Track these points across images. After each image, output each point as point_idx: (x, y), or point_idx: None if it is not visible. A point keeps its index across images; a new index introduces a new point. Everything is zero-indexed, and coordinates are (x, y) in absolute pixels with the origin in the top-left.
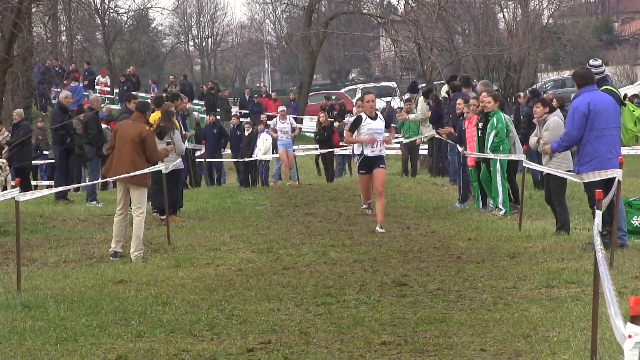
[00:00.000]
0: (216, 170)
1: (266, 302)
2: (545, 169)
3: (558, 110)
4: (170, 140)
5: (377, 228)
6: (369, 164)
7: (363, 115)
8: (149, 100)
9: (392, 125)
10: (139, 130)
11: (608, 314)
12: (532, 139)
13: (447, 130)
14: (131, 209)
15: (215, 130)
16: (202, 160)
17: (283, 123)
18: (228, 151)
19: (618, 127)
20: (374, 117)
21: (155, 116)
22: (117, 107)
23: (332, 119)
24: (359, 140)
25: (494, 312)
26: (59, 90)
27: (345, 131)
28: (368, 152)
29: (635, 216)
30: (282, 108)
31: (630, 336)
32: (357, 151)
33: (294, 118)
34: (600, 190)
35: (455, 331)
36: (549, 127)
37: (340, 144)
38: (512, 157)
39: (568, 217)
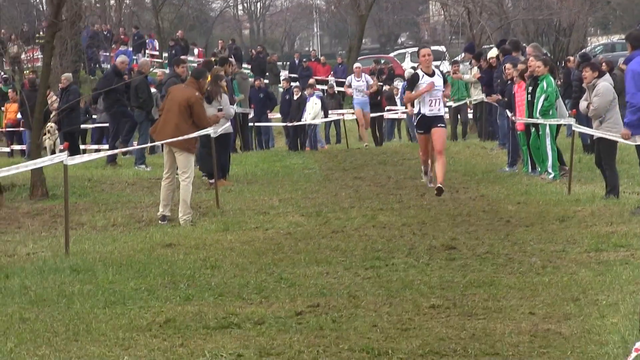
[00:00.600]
0: (264, 134)
1: (315, 265)
2: (596, 132)
3: (607, 75)
4: (221, 107)
5: (438, 185)
6: (428, 123)
7: (419, 72)
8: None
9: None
10: (187, 95)
11: None
12: (582, 104)
13: (495, 98)
14: (178, 173)
15: (261, 94)
16: (252, 124)
17: (358, 81)
18: (276, 115)
19: None
20: (431, 74)
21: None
22: (166, 71)
23: (381, 83)
24: (419, 93)
25: (542, 275)
26: (108, 54)
27: (400, 94)
28: (426, 111)
29: None
30: (357, 65)
31: None
32: (415, 110)
33: (340, 82)
34: None
35: (504, 294)
36: (599, 93)
37: (387, 108)
38: (562, 121)
39: (618, 180)
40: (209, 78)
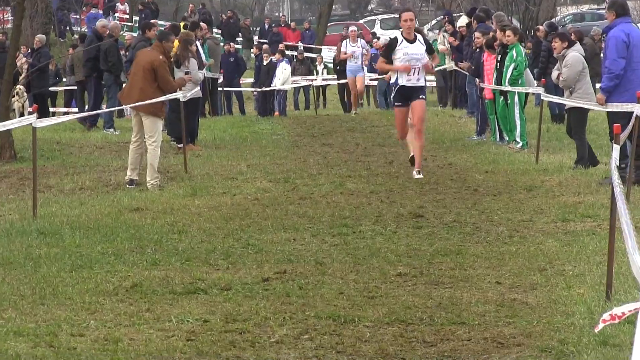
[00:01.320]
0: (237, 99)
1: (282, 232)
2: (564, 101)
3: (578, 45)
4: (188, 70)
5: (414, 173)
6: (406, 94)
7: (399, 36)
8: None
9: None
10: (151, 58)
11: (624, 249)
12: (554, 74)
13: (466, 65)
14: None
15: (231, 58)
16: (220, 89)
17: (353, 46)
18: (247, 80)
19: None
20: (412, 40)
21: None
22: (135, 34)
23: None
24: (392, 68)
25: (509, 245)
26: (78, 17)
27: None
28: (404, 80)
29: None
30: (352, 28)
31: None
32: (392, 80)
33: (308, 47)
34: (619, 124)
35: (470, 263)
36: (567, 63)
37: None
38: (531, 90)
39: (586, 151)
40: (178, 42)
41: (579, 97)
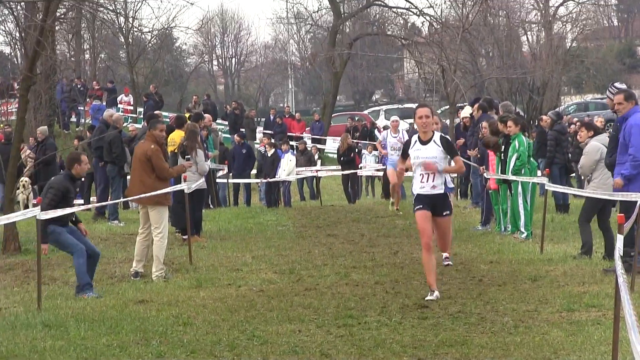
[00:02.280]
0: (245, 191)
1: (287, 323)
2: (568, 190)
3: (603, 135)
4: (189, 157)
5: (428, 296)
6: (426, 201)
7: (414, 137)
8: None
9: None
10: (144, 149)
11: (629, 339)
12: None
13: (475, 152)
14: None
15: (244, 150)
16: (225, 180)
17: (395, 137)
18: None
19: None
20: (426, 141)
21: (176, 135)
22: (140, 126)
23: (355, 140)
24: (394, 182)
25: (515, 335)
26: (82, 108)
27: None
28: (417, 188)
29: None
30: (395, 118)
31: None
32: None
33: (317, 139)
34: (622, 215)
35: (476, 354)
36: (585, 152)
37: (360, 165)
38: (535, 179)
39: (590, 238)
40: (181, 133)
41: (595, 187)
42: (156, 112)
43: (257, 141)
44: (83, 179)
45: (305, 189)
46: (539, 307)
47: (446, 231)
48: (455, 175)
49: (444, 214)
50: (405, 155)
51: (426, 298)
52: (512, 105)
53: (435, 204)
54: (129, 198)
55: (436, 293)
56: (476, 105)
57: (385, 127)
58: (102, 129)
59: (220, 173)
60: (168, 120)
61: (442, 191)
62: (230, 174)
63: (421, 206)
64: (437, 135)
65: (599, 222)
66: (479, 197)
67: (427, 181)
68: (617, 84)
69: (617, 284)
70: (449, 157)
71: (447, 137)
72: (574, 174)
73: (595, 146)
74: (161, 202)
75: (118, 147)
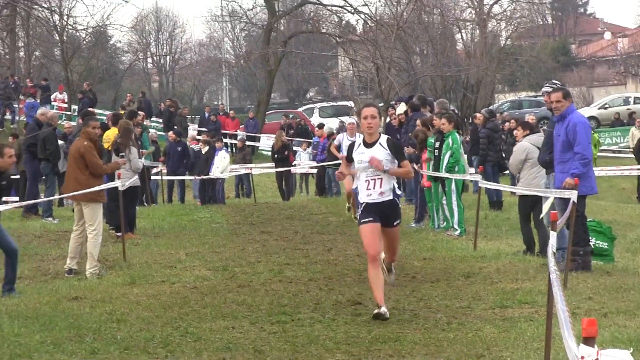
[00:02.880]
0: (180, 189)
1: (221, 320)
2: (501, 187)
3: (535, 135)
4: (123, 154)
5: (377, 310)
6: (374, 210)
7: (358, 139)
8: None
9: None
10: (77, 146)
11: (561, 335)
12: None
13: (411, 150)
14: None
15: (179, 147)
16: (159, 178)
17: (351, 140)
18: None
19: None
20: (371, 144)
21: (111, 133)
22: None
23: (290, 138)
24: (344, 174)
25: (447, 331)
26: (16, 106)
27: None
28: (364, 196)
29: (590, 237)
30: (351, 121)
31: (583, 357)
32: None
33: (251, 136)
34: (556, 212)
35: (409, 350)
36: (513, 151)
37: (294, 162)
38: (469, 177)
39: (532, 238)
40: (116, 130)
41: (523, 185)
42: (90, 109)
43: (187, 138)
44: (18, 176)
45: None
46: (472, 303)
47: (395, 242)
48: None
49: (395, 224)
50: (349, 159)
51: (375, 311)
52: (448, 103)
53: (386, 214)
54: (64, 195)
55: (384, 309)
56: (408, 104)
57: (340, 129)
58: (33, 126)
59: (154, 170)
60: (104, 117)
61: (390, 197)
62: (164, 171)
63: (370, 219)
64: (383, 138)
65: (533, 219)
66: (412, 194)
67: (374, 187)
68: (554, 81)
69: (549, 281)
70: (396, 161)
71: (394, 140)
72: (507, 172)
73: (522, 146)
74: (95, 199)
75: (52, 144)
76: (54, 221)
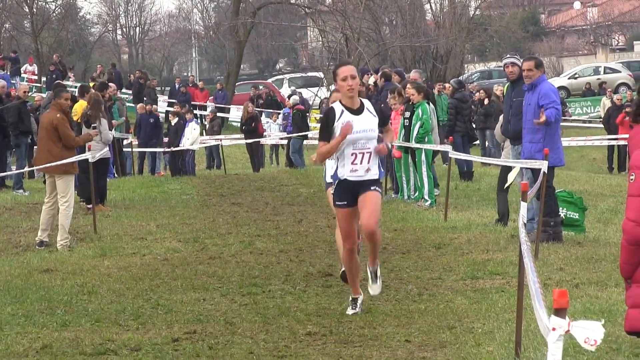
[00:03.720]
0: (151, 160)
1: (192, 291)
2: (473, 158)
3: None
4: (95, 125)
5: (350, 310)
6: (352, 189)
7: (337, 106)
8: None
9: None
10: (50, 118)
11: (532, 306)
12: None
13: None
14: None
15: (151, 119)
16: (130, 149)
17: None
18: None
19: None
20: (358, 110)
21: (79, 106)
22: (44, 95)
23: (259, 109)
24: (333, 145)
25: (419, 303)
26: None
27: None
28: (346, 172)
29: (561, 208)
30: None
31: (554, 329)
32: (329, 172)
33: (220, 107)
34: (526, 182)
35: (380, 322)
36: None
37: (265, 134)
38: (439, 147)
39: (505, 208)
40: (85, 103)
41: (506, 154)
42: (58, 81)
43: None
44: None
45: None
46: (443, 274)
47: (374, 206)
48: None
49: (372, 188)
50: (326, 134)
51: (349, 312)
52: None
53: (361, 187)
54: (37, 167)
55: (361, 298)
56: (379, 74)
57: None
58: None
59: (125, 142)
60: (75, 90)
61: (377, 175)
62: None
63: (345, 202)
64: (367, 102)
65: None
66: (382, 164)
67: (361, 162)
68: (514, 53)
69: (520, 252)
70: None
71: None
72: (477, 142)
73: None
74: (68, 171)
75: (13, 116)
76: (24, 193)
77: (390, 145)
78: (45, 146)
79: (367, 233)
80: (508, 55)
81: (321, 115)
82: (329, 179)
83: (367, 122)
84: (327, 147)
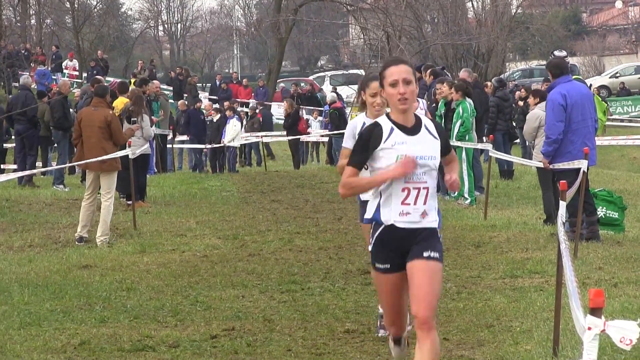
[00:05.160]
0: (193, 157)
1: (231, 288)
2: (513, 159)
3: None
4: (135, 120)
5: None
6: (399, 242)
7: (384, 121)
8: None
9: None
10: (103, 115)
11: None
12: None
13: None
14: (99, 194)
15: (201, 116)
16: (170, 145)
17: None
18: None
19: (594, 118)
20: (413, 128)
21: (121, 101)
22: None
23: (300, 105)
24: (372, 183)
25: (457, 301)
26: (24, 73)
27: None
28: (395, 215)
29: (600, 207)
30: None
31: (590, 328)
32: (370, 206)
33: (261, 105)
34: (565, 181)
35: None
36: (527, 119)
37: (309, 130)
38: (479, 146)
39: (552, 208)
40: (125, 100)
41: (537, 153)
42: (98, 77)
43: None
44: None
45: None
46: (482, 273)
47: (429, 283)
48: None
49: (428, 255)
50: (364, 157)
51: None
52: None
53: (412, 244)
54: (86, 161)
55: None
56: (429, 71)
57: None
58: (23, 95)
59: (169, 138)
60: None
61: (435, 223)
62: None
63: (387, 265)
64: (425, 119)
65: (552, 188)
66: None
67: (415, 202)
68: (557, 52)
69: (559, 251)
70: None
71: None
72: (518, 140)
73: (535, 114)
74: (117, 167)
75: (58, 111)
76: (65, 189)
77: (457, 183)
78: (99, 143)
79: (419, 321)
80: (556, 52)
81: (365, 130)
82: (368, 213)
83: (427, 147)
84: (366, 182)
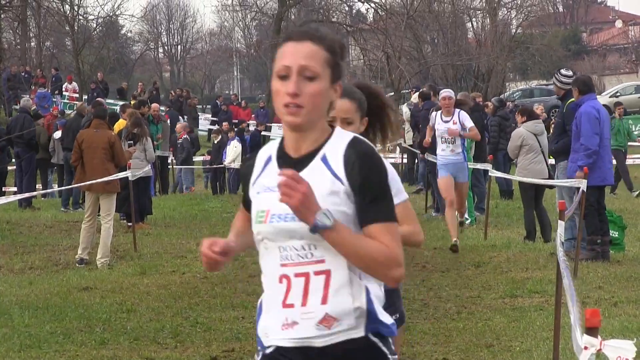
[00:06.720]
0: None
1: (231, 310)
2: (515, 178)
3: (531, 122)
4: (131, 142)
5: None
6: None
7: (267, 148)
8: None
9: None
10: (106, 137)
11: (570, 325)
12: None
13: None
14: (99, 215)
15: (188, 137)
16: (170, 167)
17: (447, 121)
18: (198, 158)
19: (609, 138)
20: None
21: (121, 124)
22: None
23: None
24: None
25: (457, 321)
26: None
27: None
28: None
29: None
30: (446, 93)
31: (586, 347)
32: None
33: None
34: (563, 201)
35: (418, 340)
36: (512, 136)
37: None
38: (479, 165)
39: (532, 226)
40: (124, 122)
41: (519, 172)
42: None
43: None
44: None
45: None
46: (482, 293)
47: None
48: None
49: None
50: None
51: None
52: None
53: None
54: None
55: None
56: (417, 93)
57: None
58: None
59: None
60: (116, 108)
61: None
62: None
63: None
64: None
65: (534, 206)
66: (422, 179)
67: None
68: (564, 71)
69: (558, 270)
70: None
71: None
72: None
73: (518, 132)
74: (118, 188)
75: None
76: (70, 210)
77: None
78: (102, 165)
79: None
80: (558, 72)
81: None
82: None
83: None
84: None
